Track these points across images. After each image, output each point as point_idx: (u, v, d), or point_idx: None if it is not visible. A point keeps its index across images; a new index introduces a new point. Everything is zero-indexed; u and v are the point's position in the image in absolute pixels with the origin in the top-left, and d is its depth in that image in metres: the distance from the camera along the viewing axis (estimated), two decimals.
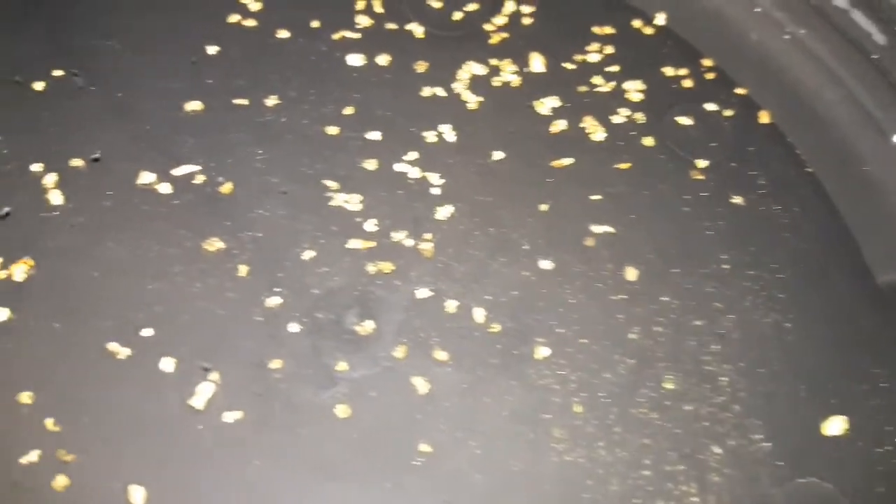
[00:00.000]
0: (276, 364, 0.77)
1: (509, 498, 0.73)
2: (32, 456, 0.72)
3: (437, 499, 0.73)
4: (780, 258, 0.88)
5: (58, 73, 0.92)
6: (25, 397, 0.74)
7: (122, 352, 0.77)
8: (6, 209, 0.83)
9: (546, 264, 0.85)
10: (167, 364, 0.76)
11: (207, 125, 0.90)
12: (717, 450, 0.77)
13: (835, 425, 0.79)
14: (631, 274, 0.85)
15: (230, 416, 0.74)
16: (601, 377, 0.79)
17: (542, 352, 0.80)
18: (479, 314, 0.81)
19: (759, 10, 1.03)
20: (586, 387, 0.79)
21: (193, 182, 0.86)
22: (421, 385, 0.77)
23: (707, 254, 0.88)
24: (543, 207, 0.88)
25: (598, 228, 0.88)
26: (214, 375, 0.76)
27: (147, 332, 0.77)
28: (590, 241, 0.87)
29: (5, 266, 0.80)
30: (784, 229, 0.90)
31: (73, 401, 0.74)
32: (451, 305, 0.81)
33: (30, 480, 0.71)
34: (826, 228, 0.91)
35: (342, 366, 0.77)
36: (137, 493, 0.71)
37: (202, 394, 0.75)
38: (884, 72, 0.96)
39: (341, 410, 0.75)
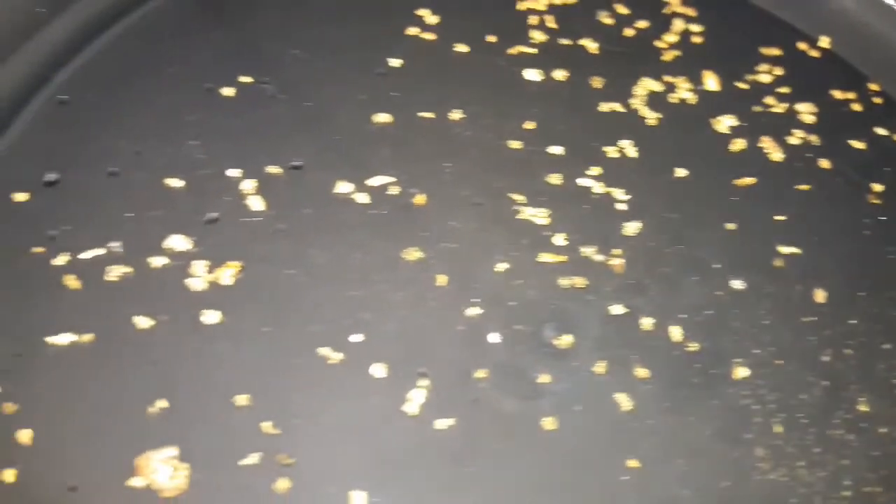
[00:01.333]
0: (481, 374, 0.78)
1: None
2: (253, 458, 0.73)
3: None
4: None
5: (246, 79, 0.94)
6: (242, 399, 0.76)
7: (334, 357, 0.78)
8: (215, 214, 0.84)
9: (738, 284, 0.86)
10: (378, 370, 0.77)
11: (397, 137, 0.92)
12: None
13: None
14: (820, 296, 0.86)
15: (443, 423, 0.76)
16: (798, 398, 0.81)
17: (741, 372, 0.81)
18: (675, 332, 0.82)
19: None
20: (784, 407, 0.80)
21: (388, 193, 0.87)
22: (624, 401, 0.78)
23: (891, 277, 0.88)
24: (730, 226, 0.89)
25: (785, 249, 0.89)
26: (425, 382, 0.77)
27: (356, 338, 0.79)
28: (778, 262, 0.88)
29: (213, 269, 0.81)
30: None
31: (289, 404, 0.76)
32: (647, 323, 0.83)
33: (252, 483, 0.72)
34: None
35: (545, 378, 0.79)
36: (359, 498, 0.72)
37: (415, 400, 0.76)
38: None
39: (548, 423, 0.77)
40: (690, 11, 1.07)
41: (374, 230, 0.86)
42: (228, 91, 0.94)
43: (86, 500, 0.70)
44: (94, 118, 0.90)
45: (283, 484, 0.73)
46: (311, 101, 0.94)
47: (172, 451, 0.73)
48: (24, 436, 0.72)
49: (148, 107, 0.91)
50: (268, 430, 0.75)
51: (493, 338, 0.81)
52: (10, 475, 0.70)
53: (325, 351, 0.79)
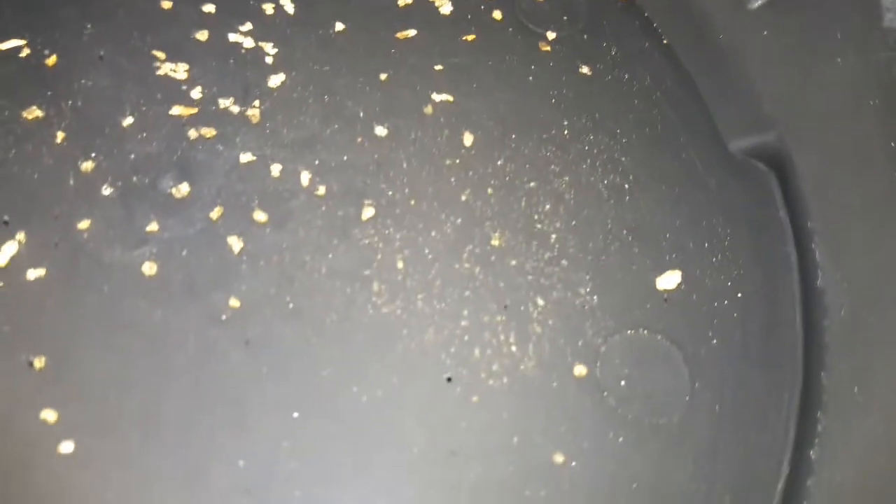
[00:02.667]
0: (84, 224, 0.74)
1: (322, 350, 0.70)
2: None
3: (248, 350, 0.70)
4: (626, 124, 0.86)
5: None
6: None
7: None
8: None
9: (381, 130, 0.82)
10: None
11: (33, 1, 0.86)
12: (541, 301, 0.74)
13: (669, 279, 0.77)
14: (468, 139, 0.83)
15: (33, 274, 0.71)
16: (427, 236, 0.77)
17: (368, 213, 0.77)
18: (304, 177, 0.79)
19: None
20: (411, 245, 0.76)
21: (18, 56, 0.82)
22: (235, 244, 0.74)
23: (548, 121, 0.86)
24: (383, 77, 0.86)
25: (437, 97, 0.85)
26: (20, 235, 0.72)
27: None
28: (428, 109, 0.84)
29: None
30: (632, 96, 0.89)
31: None
32: (275, 169, 0.79)
33: None
34: (677, 96, 0.89)
35: (153, 227, 0.74)
36: None
37: (5, 252, 0.72)
38: None
39: (148, 268, 0.72)
40: None
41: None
42: None
43: None
44: None
45: None
46: None
47: None
48: None
49: None
50: None
51: (106, 191, 0.76)
52: None
53: None
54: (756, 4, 0.90)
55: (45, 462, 0.65)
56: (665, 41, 0.93)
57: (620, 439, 0.70)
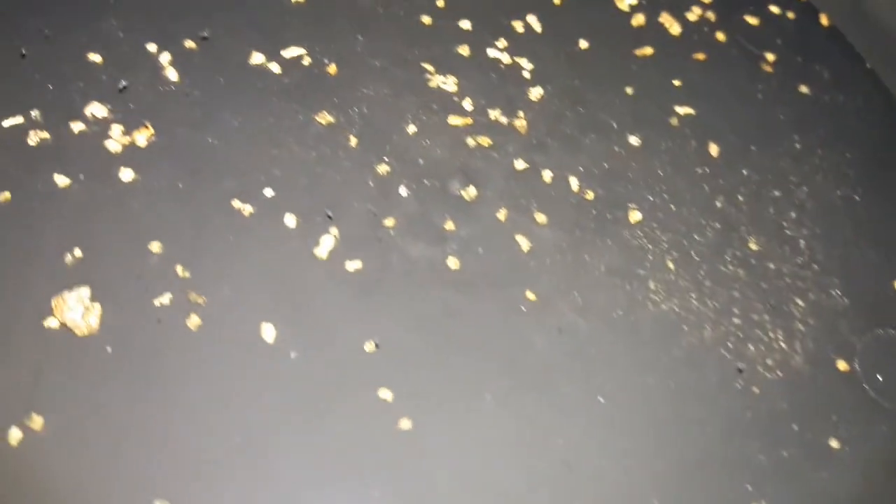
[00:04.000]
0: (389, 222, 0.78)
1: (611, 342, 0.76)
2: (165, 298, 0.73)
3: (552, 331, 0.74)
4: (846, 140, 0.90)
5: None
6: (155, 247, 0.75)
7: (246, 208, 0.77)
8: (123, 83, 0.83)
9: (634, 140, 0.86)
10: (290, 220, 0.77)
11: (310, 13, 0.91)
12: (801, 302, 0.78)
13: None
14: (713, 150, 0.87)
15: (351, 266, 0.76)
16: (691, 238, 0.81)
17: (635, 216, 0.81)
18: (573, 183, 0.83)
19: None
20: (678, 247, 0.80)
21: (301, 63, 0.87)
22: (524, 243, 0.78)
23: (780, 135, 0.89)
24: (629, 90, 0.90)
25: (681, 109, 0.89)
26: (334, 230, 0.77)
27: (269, 192, 0.78)
28: (674, 121, 0.88)
29: (127, 133, 0.80)
30: (848, 115, 0.92)
31: (202, 251, 0.75)
32: (547, 175, 0.83)
33: (165, 319, 0.71)
34: (886, 116, 0.92)
35: (450, 225, 0.78)
36: (268, 331, 0.72)
37: (324, 244, 0.76)
38: None
39: (451, 262, 0.77)
40: None
41: (286, 97, 0.85)
42: None
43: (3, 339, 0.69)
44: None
45: (194, 320, 0.71)
46: None
47: (85, 290, 0.71)
48: None
49: None
50: (180, 273, 0.74)
51: (402, 191, 0.80)
52: None
53: (237, 203, 0.77)
54: None
55: (384, 437, 0.69)
56: (868, 65, 0.96)
57: (884, 427, 0.74)
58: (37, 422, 0.68)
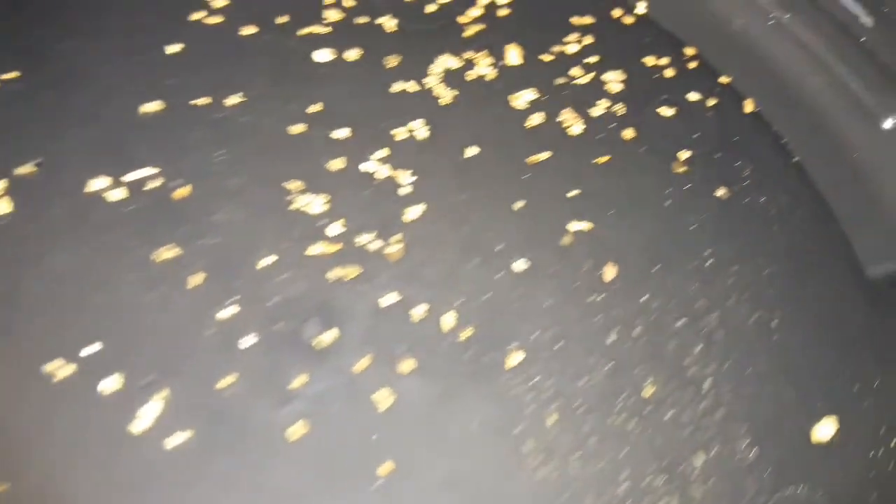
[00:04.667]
0: (227, 381, 0.67)
1: None
2: None
3: None
4: (767, 252, 0.79)
5: (7, 76, 0.81)
6: None
7: (62, 372, 0.66)
8: None
9: (520, 265, 0.75)
10: (112, 382, 0.66)
11: (165, 126, 0.80)
12: (700, 459, 0.66)
13: (824, 429, 0.70)
14: (609, 273, 0.75)
15: (178, 438, 0.64)
16: (576, 385, 0.70)
17: (515, 358, 0.70)
18: (448, 319, 0.72)
19: None
20: (561, 395, 0.69)
21: (148, 187, 0.76)
22: (385, 398, 0.67)
23: (690, 250, 0.78)
24: (518, 205, 0.79)
25: (575, 226, 0.78)
26: (162, 394, 0.65)
27: (91, 349, 0.67)
28: (566, 240, 0.77)
29: None
30: (770, 221, 0.81)
31: (5, 427, 0.64)
32: (418, 311, 0.72)
33: None
34: (814, 219, 0.82)
35: (300, 380, 0.67)
36: None
37: (148, 414, 0.65)
38: (872, 54, 0.85)
39: (297, 429, 0.65)
40: None
41: (127, 229, 0.74)
42: None
43: None
44: None
45: None
46: (75, 95, 0.81)
47: None
48: None
49: None
50: None
51: (248, 341, 0.69)
52: None
53: (52, 365, 0.66)
54: (889, 125, 0.81)
55: None
56: (796, 159, 0.84)
57: None
58: None
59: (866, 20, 0.87)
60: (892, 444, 0.71)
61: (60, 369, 0.67)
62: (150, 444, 0.64)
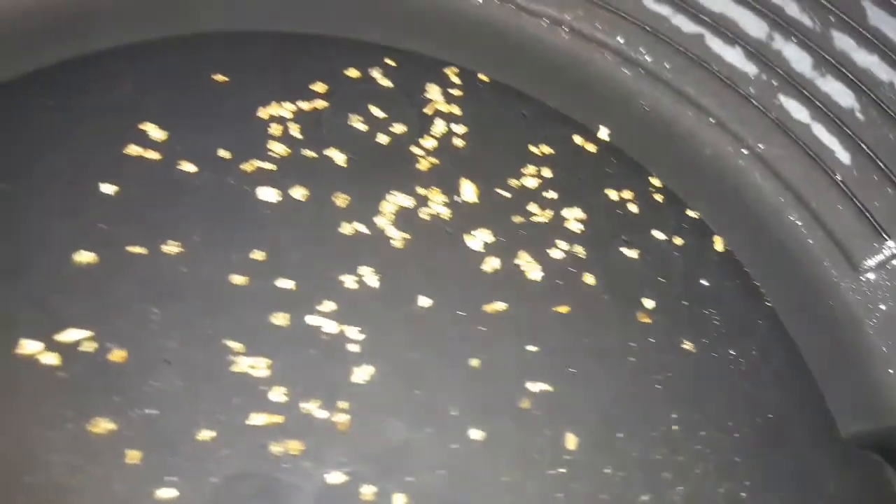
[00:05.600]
0: None
1: None
2: None
3: None
4: (736, 413, 0.82)
5: None
6: None
7: None
8: None
9: (476, 434, 0.78)
10: None
11: (99, 279, 0.82)
12: None
13: None
14: (571, 442, 0.78)
15: None
16: None
17: None
18: (398, 501, 0.73)
19: (713, 121, 0.96)
20: None
21: (82, 349, 0.77)
22: None
23: (655, 414, 0.81)
24: (474, 363, 0.81)
25: (534, 387, 0.81)
26: None
27: None
28: (525, 403, 0.79)
29: None
30: (741, 377, 0.84)
31: None
32: (367, 491, 0.74)
33: None
34: (786, 374, 0.85)
35: None
36: None
37: None
38: (850, 193, 0.89)
39: None
40: (455, 109, 0.98)
41: (59, 399, 0.75)
42: None
43: None
44: None
45: None
46: (6, 245, 0.82)
47: None
48: None
49: None
50: None
51: None
52: None
53: None
54: (868, 272, 0.85)
55: None
56: (769, 304, 0.88)
57: None
58: None
59: (843, 155, 0.91)
60: None
61: None
62: None
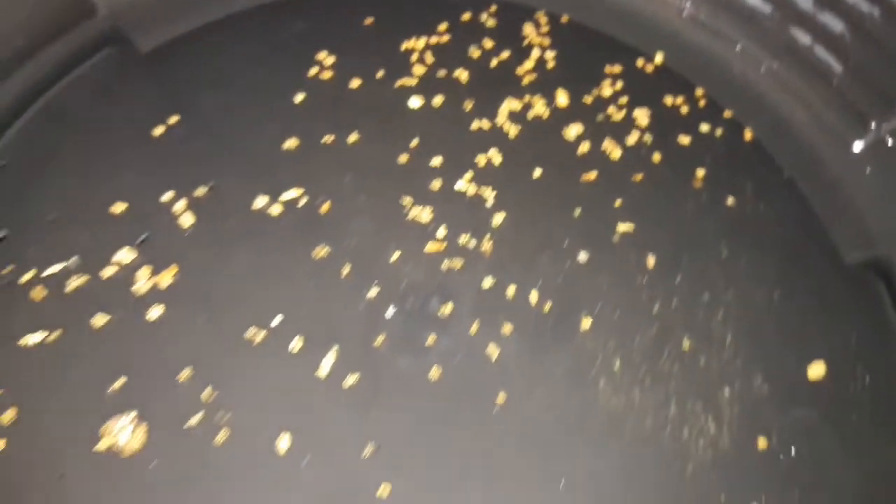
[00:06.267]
0: (379, 340, 0.99)
1: (568, 437, 0.95)
2: (196, 418, 0.93)
3: (519, 427, 0.95)
4: (767, 246, 1.11)
5: (171, 120, 1.14)
6: (185, 373, 0.95)
7: (257, 337, 0.98)
8: (145, 234, 1.04)
9: (583, 256, 1.08)
10: (295, 344, 0.98)
11: (303, 158, 1.12)
12: (727, 392, 0.99)
13: (816, 370, 1.02)
14: (650, 261, 1.08)
15: (349, 381, 0.96)
16: (633, 341, 1.02)
17: (586, 324, 1.02)
18: (533, 297, 1.04)
19: (740, 47, 1.28)
20: (622, 349, 1.01)
21: (298, 205, 1.08)
22: (493, 352, 0.99)
23: (709, 244, 1.11)
24: (577, 212, 1.11)
25: (622, 226, 1.11)
26: (333, 351, 0.98)
27: (276, 321, 0.99)
28: (616, 238, 1.10)
29: (153, 274, 1.01)
30: (769, 223, 1.13)
31: (224, 375, 0.95)
32: (510, 291, 1.04)
33: (197, 436, 0.92)
34: (801, 221, 1.14)
35: (431, 340, 1.00)
36: (284, 441, 0.92)
37: (325, 364, 0.97)
38: (842, 94, 1.20)
39: (433, 373, 0.97)
40: (545, 41, 1.29)
41: (287, 234, 1.06)
42: (158, 130, 1.13)
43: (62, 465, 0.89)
44: (38, 171, 1.09)
45: (222, 436, 0.92)
46: (228, 134, 1.13)
47: (130, 415, 0.92)
48: (8, 416, 0.91)
49: (88, 149, 1.11)
50: (208, 394, 0.94)
51: (389, 312, 1.01)
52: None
53: (251, 333, 0.98)
54: (858, 149, 1.16)
55: None
56: (787, 175, 1.19)
57: (796, 491, 0.94)
58: None
59: (836, 67, 1.23)
60: (867, 380, 1.04)
61: (256, 335, 0.99)
62: (331, 385, 0.96)
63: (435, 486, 0.90)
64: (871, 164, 1.16)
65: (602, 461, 0.93)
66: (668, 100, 1.24)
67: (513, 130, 1.17)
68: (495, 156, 1.14)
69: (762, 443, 0.96)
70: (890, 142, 1.16)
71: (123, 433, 0.90)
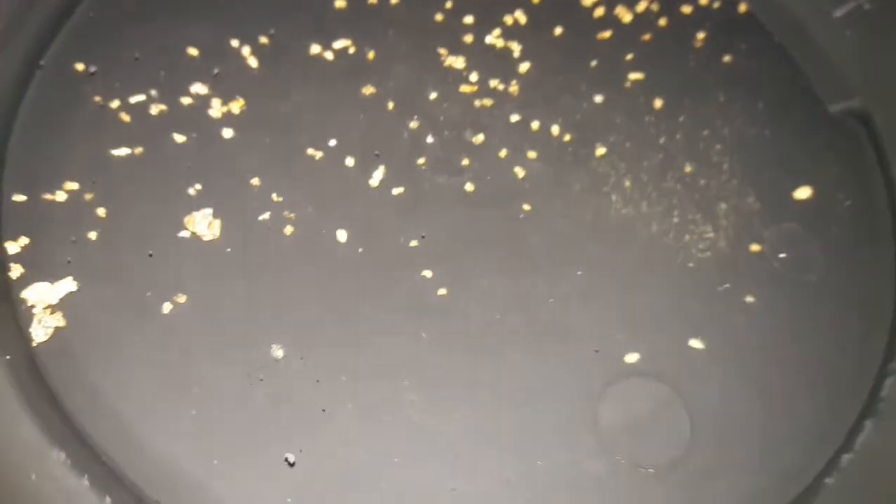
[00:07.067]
0: (422, 160, 1.12)
1: (586, 237, 1.09)
2: (266, 215, 1.06)
3: (543, 230, 1.08)
4: (758, 95, 1.24)
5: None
6: (255, 181, 1.08)
7: (317, 154, 1.11)
8: (216, 70, 1.16)
9: (598, 98, 1.20)
10: (350, 161, 1.11)
11: (352, 14, 1.25)
12: (724, 206, 1.12)
13: (803, 192, 1.15)
14: (658, 103, 1.21)
15: (396, 191, 1.09)
16: (641, 165, 1.15)
17: (601, 151, 1.15)
18: (555, 129, 1.17)
19: None
20: (632, 171, 1.14)
21: (349, 52, 1.21)
22: (520, 172, 1.12)
23: (709, 92, 1.23)
24: (593, 63, 1.24)
25: (633, 76, 1.23)
26: (382, 167, 1.10)
27: (333, 142, 1.13)
28: (628, 84, 1.22)
29: (224, 104, 1.14)
30: (761, 76, 1.26)
31: (289, 183, 1.09)
32: (534, 125, 1.17)
33: (267, 229, 1.05)
34: (790, 79, 1.27)
35: (466, 162, 1.13)
36: (342, 234, 1.05)
37: (376, 177, 1.10)
38: None
39: (468, 187, 1.11)
40: None
41: (339, 76, 1.18)
42: None
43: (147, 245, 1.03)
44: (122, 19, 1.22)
45: (288, 229, 1.05)
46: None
47: (208, 210, 1.05)
48: (101, 211, 1.04)
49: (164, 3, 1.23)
50: (275, 198, 1.07)
51: (429, 139, 1.14)
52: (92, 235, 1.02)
53: (310, 151, 1.11)
54: (838, 14, 1.29)
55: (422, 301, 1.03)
56: (777, 40, 1.31)
57: (786, 289, 1.08)
58: (181, 298, 1.01)
59: None
60: (847, 204, 1.16)
61: (315, 153, 1.11)
62: (382, 193, 1.09)
63: (468, 274, 1.04)
64: (850, 27, 1.28)
65: (614, 256, 1.06)
66: None
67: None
68: (521, 16, 1.26)
69: (755, 247, 1.08)
70: (867, 6, 1.28)
71: (202, 223, 1.03)
